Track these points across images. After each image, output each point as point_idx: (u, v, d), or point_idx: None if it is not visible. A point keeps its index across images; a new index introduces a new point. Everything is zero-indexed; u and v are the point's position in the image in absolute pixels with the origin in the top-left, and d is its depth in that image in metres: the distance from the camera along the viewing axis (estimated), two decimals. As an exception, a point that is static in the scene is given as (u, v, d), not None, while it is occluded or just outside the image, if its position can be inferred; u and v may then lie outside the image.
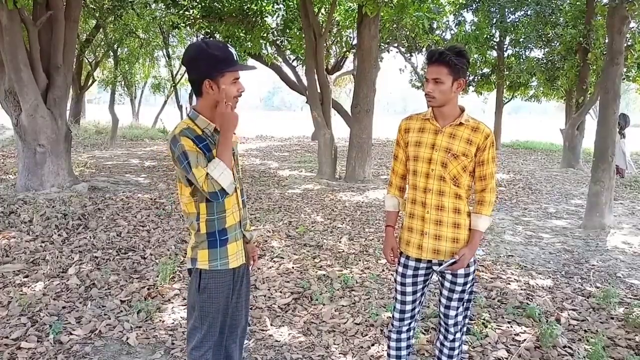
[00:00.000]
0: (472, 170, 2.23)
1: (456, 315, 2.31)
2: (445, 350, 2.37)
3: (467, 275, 2.25)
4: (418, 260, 2.28)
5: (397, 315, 2.40)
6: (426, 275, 2.33)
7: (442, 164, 2.17)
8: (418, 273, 2.31)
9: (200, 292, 2.01)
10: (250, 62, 12.82)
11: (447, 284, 2.28)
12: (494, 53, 18.03)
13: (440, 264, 2.27)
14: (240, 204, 2.13)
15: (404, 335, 2.43)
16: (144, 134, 18.39)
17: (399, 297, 2.37)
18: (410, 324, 2.41)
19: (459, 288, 2.26)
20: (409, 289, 2.33)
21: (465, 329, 2.39)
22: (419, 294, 2.36)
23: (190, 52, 1.97)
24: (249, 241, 2.19)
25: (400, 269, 2.34)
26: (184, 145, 1.86)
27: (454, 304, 2.29)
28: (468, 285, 2.28)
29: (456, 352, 2.37)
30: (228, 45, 1.96)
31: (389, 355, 2.46)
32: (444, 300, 2.32)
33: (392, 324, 2.43)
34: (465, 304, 2.32)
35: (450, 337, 2.35)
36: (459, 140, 2.17)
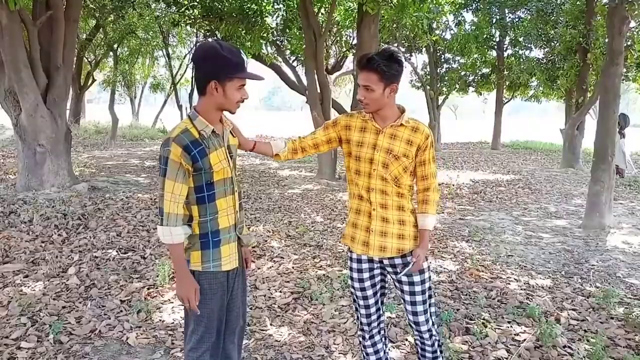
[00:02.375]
0: (412, 171, 2.23)
1: (427, 320, 2.27)
2: (429, 355, 2.35)
3: (421, 272, 2.23)
4: (371, 260, 2.27)
5: (364, 320, 2.35)
6: (382, 275, 2.32)
7: (383, 164, 2.15)
8: (374, 274, 2.30)
9: None
10: (251, 62, 12.83)
11: (406, 288, 2.24)
12: (494, 53, 18.05)
13: (392, 266, 2.24)
14: (237, 206, 2.11)
15: (377, 337, 2.40)
16: (144, 134, 18.41)
17: (361, 302, 2.32)
18: (379, 324, 2.39)
19: (418, 288, 2.23)
20: (370, 292, 2.30)
21: (438, 334, 2.34)
22: (379, 294, 2.34)
23: (203, 50, 1.95)
24: (245, 245, 2.17)
25: (355, 275, 2.29)
26: (170, 152, 1.87)
27: (420, 307, 2.25)
28: (426, 283, 2.25)
29: (438, 349, 2.36)
30: (241, 51, 1.95)
31: None
32: (409, 307, 2.27)
33: (363, 330, 2.38)
34: (430, 306, 2.29)
35: (428, 341, 2.32)
36: (399, 141, 2.15)
